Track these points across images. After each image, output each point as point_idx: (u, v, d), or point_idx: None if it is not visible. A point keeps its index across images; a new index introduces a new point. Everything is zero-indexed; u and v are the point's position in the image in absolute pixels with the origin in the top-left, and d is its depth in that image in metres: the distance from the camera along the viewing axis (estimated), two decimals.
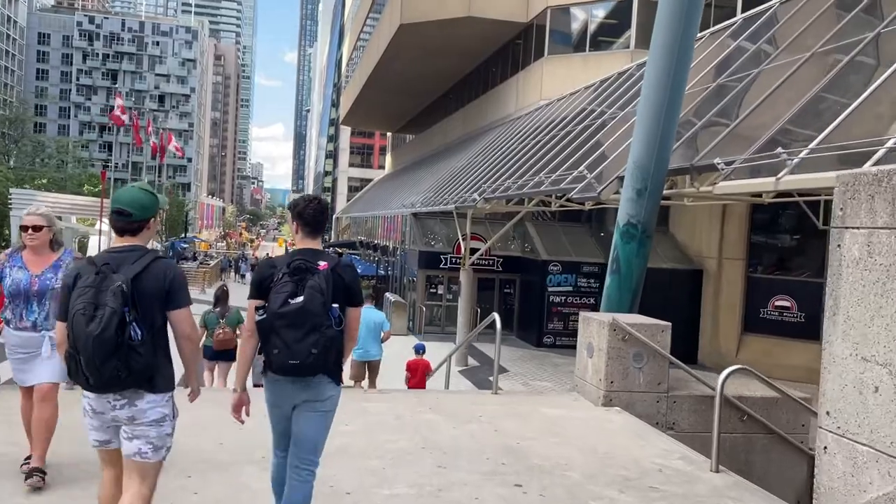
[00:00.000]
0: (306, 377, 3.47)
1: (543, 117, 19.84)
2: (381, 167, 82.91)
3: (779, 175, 6.16)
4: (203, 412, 4.95)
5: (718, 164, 7.12)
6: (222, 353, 9.14)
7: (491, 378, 17.31)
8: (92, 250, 46.01)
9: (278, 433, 3.72)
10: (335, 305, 3.48)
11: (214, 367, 9.38)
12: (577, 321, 20.92)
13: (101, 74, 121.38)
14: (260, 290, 3.53)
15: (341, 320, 3.53)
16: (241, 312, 8.96)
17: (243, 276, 40.32)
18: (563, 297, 21.67)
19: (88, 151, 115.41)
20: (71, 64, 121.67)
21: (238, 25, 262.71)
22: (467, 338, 10.87)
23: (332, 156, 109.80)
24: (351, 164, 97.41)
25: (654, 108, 8.01)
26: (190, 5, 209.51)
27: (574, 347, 21.19)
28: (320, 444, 3.67)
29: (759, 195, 8.66)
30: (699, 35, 14.66)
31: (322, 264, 3.49)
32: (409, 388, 10.39)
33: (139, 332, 3.07)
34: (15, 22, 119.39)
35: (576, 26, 23.48)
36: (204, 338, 8.87)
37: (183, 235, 56.95)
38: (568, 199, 16.02)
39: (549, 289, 21.58)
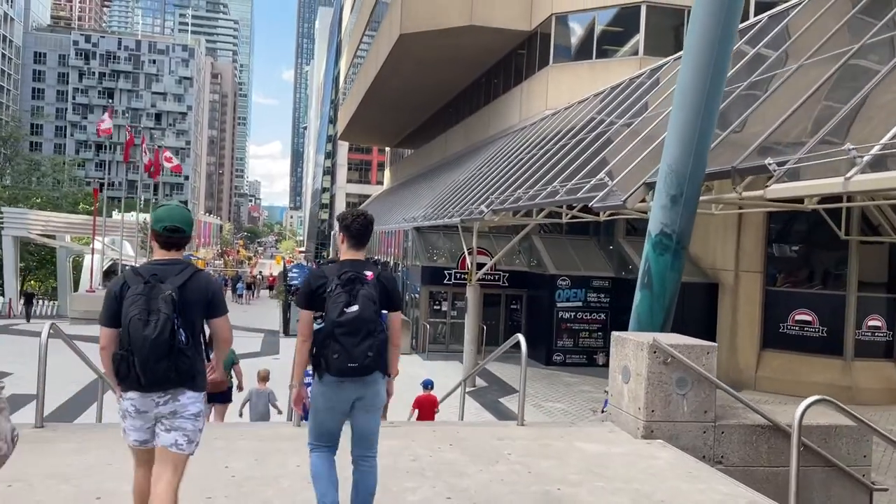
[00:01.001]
0: (364, 377, 3.86)
1: (551, 126, 19.11)
2: (380, 183, 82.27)
3: (848, 174, 5.39)
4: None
5: (770, 164, 6.34)
6: (215, 396, 8.56)
7: (502, 400, 16.47)
8: (87, 270, 45.12)
9: (327, 431, 4.04)
10: (384, 312, 3.92)
11: (211, 409, 8.77)
12: (587, 338, 20.19)
13: (97, 93, 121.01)
14: (311, 299, 3.90)
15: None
16: (234, 351, 8.53)
17: (240, 297, 39.17)
18: (572, 313, 20.86)
19: (84, 170, 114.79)
20: (67, 83, 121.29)
21: (235, 44, 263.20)
22: (486, 360, 9.99)
23: (330, 172, 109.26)
24: (349, 180, 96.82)
25: (692, 107, 7.24)
26: (186, 24, 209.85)
27: (585, 365, 20.40)
28: (378, 433, 4.20)
29: (801, 201, 7.86)
30: None
31: (369, 274, 3.91)
32: None
33: (185, 337, 3.48)
34: (11, 41, 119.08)
35: (581, 34, 22.82)
36: None
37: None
38: (584, 210, 15.23)
39: (558, 304, 20.77)
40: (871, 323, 18.05)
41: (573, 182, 11.91)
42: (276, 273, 55.81)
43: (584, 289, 20.87)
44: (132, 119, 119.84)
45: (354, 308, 3.77)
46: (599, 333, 20.94)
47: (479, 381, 18.08)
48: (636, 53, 21.09)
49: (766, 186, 6.41)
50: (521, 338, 7.23)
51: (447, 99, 35.29)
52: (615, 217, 15.58)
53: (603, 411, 11.12)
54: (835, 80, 7.47)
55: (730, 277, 19.14)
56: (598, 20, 22.10)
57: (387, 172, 65.90)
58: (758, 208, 12.10)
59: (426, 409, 10.24)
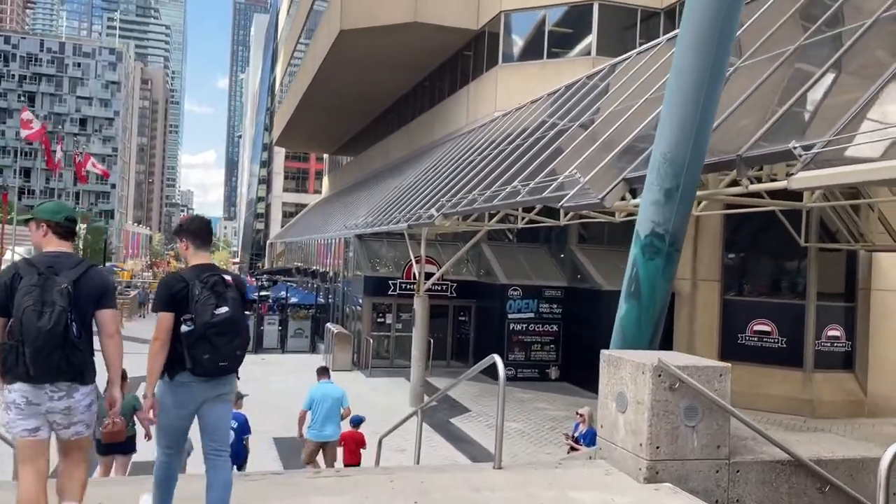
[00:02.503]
0: (225, 376, 4.03)
1: (503, 127, 18.03)
2: (318, 192, 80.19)
3: None
4: None
5: (795, 148, 5.28)
6: (114, 446, 7.61)
7: (453, 420, 15.17)
8: None
9: (177, 431, 4.05)
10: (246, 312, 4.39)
11: (112, 462, 7.76)
12: (539, 350, 19.09)
13: (17, 97, 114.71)
14: (172, 303, 3.92)
15: None
16: (138, 398, 7.37)
17: None
18: (524, 325, 19.78)
19: (3, 178, 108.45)
20: None
21: (167, 50, 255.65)
22: (454, 383, 8.69)
23: (266, 181, 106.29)
24: (285, 189, 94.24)
25: (692, 87, 6.17)
26: (115, 28, 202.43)
27: (538, 380, 19.28)
28: (228, 429, 4.29)
29: (800, 197, 6.87)
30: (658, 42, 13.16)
31: (228, 278, 4.08)
32: (343, 464, 9.22)
33: (77, 330, 3.57)
34: None
35: (531, 33, 21.91)
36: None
37: (101, 265, 52.86)
38: (542, 214, 14.11)
39: (510, 315, 19.67)
40: (830, 333, 17.54)
41: (536, 181, 10.77)
42: None
43: (536, 299, 19.82)
44: (55, 124, 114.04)
45: (224, 309, 3.90)
46: (552, 346, 19.92)
47: (427, 400, 16.72)
48: (588, 53, 20.27)
49: (790, 175, 5.34)
50: (497, 359, 5.96)
51: (389, 102, 33.96)
52: (571, 223, 14.55)
53: (574, 438, 9.96)
54: (850, 57, 6.51)
55: (686, 286, 18.38)
56: (549, 19, 21.23)
57: (325, 180, 64.02)
58: (748, 208, 11.21)
59: (350, 447, 9.31)
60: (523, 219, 14.55)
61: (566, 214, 13.24)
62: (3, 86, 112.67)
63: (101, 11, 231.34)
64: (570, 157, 10.80)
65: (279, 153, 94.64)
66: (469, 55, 24.47)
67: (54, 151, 37.82)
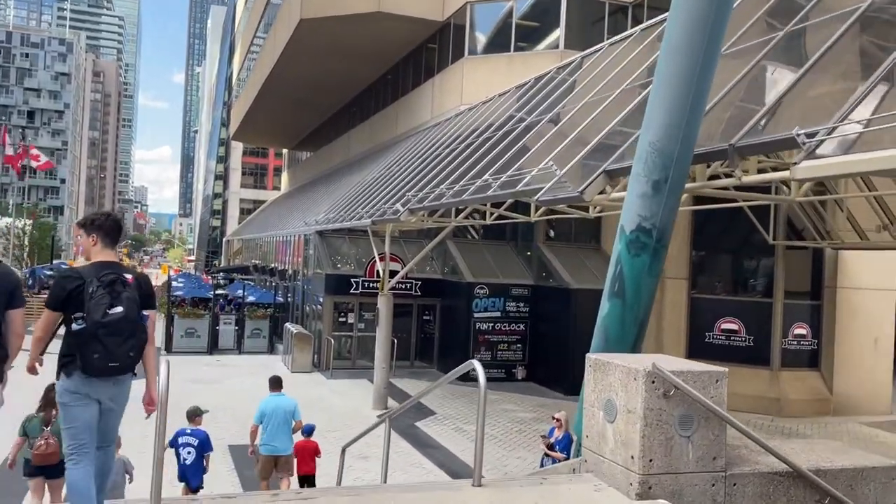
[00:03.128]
0: (118, 377, 3.99)
1: (470, 121, 17.52)
2: (277, 188, 78.73)
3: None
4: None
5: (798, 135, 4.86)
6: (46, 469, 7.06)
7: (418, 424, 14.60)
8: None
9: (88, 428, 4.01)
10: (144, 312, 4.07)
11: (43, 485, 7.19)
12: (505, 350, 18.67)
13: None
14: (66, 301, 3.88)
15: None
16: None
17: None
18: (490, 324, 19.32)
19: None
20: None
21: (120, 42, 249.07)
22: (426, 390, 8.15)
23: (223, 177, 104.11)
24: (243, 186, 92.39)
25: (685, 70, 5.74)
26: (65, 19, 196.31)
27: (504, 380, 18.86)
28: (117, 430, 4.38)
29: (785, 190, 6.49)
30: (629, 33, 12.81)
31: (129, 277, 4.02)
32: (298, 474, 9.02)
33: None
34: None
35: (498, 24, 21.45)
36: (22, 449, 7.19)
37: (49, 263, 50.78)
38: (511, 209, 13.64)
39: (475, 314, 19.20)
40: (796, 331, 17.48)
41: (508, 175, 10.27)
42: (161, 283, 51.40)
43: (502, 297, 19.38)
44: (2, 117, 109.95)
45: (119, 309, 3.82)
46: (519, 346, 19.50)
47: (392, 403, 16.15)
48: (557, 46, 19.88)
49: (794, 164, 4.92)
50: (477, 365, 5.42)
51: (351, 95, 33.18)
52: (542, 219, 14.12)
53: (550, 443, 9.49)
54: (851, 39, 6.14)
55: None
56: (517, 10, 20.77)
57: (284, 176, 62.79)
58: (718, 203, 10.91)
59: (303, 456, 9.00)
60: (492, 214, 14.07)
61: (537, 210, 12.78)
62: None
63: (52, 1, 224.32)
64: (544, 150, 10.34)
65: (236, 148, 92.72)
66: (434, 47, 23.90)
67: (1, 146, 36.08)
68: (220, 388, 17.51)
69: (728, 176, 6.60)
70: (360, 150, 32.04)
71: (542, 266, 19.64)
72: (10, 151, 36.01)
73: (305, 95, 33.67)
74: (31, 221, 48.80)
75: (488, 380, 17.35)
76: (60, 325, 3.99)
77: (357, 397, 16.84)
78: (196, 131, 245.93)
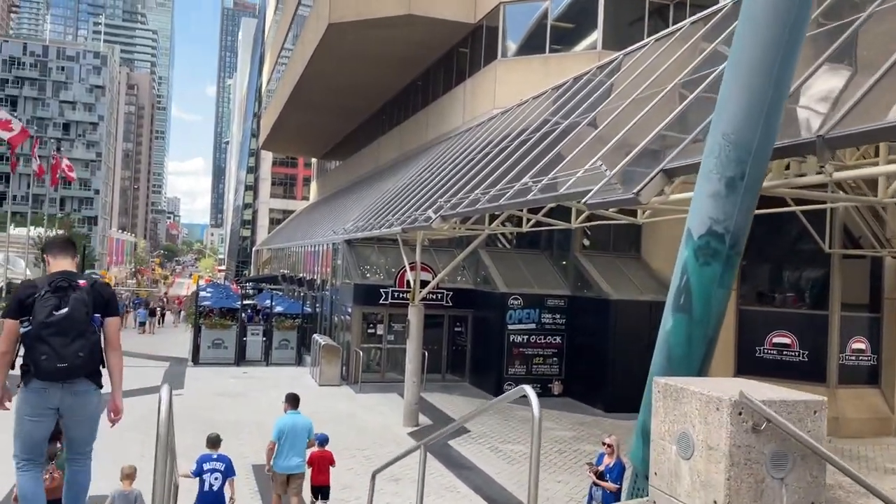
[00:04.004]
0: (73, 381, 3.94)
1: (504, 124, 16.81)
2: (306, 198, 78.76)
3: None
4: None
5: None
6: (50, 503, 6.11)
7: (451, 443, 13.85)
8: None
9: (36, 441, 4.03)
10: (97, 315, 4.10)
11: None
12: (541, 364, 17.81)
13: None
14: (21, 309, 3.96)
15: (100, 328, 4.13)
16: None
17: (142, 325, 32.85)
18: (525, 337, 18.52)
19: None
20: None
21: (153, 55, 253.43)
22: (470, 414, 7.46)
23: (253, 187, 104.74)
24: (273, 195, 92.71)
25: (765, 51, 4.95)
26: (100, 33, 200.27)
27: (539, 395, 18.00)
28: (93, 435, 4.25)
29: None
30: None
31: (82, 282, 4.08)
32: (312, 484, 9.02)
33: None
34: None
35: (532, 26, 20.73)
36: None
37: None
38: (549, 214, 12.85)
39: (509, 326, 18.41)
40: (854, 346, 16.38)
41: (550, 177, 9.51)
42: (190, 293, 51.35)
43: (537, 309, 18.57)
44: (38, 129, 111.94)
45: (64, 310, 3.87)
46: (555, 359, 18.66)
47: (423, 419, 15.41)
48: (594, 47, 19.10)
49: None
50: (529, 391, 4.66)
51: (380, 102, 32.68)
52: (584, 225, 13.31)
53: (599, 471, 8.66)
54: None
55: None
56: (552, 11, 20.04)
57: (313, 185, 62.63)
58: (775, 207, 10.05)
59: (320, 467, 9.03)
60: (528, 221, 13.29)
61: (578, 216, 12.00)
62: None
63: (88, 16, 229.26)
64: (588, 152, 9.56)
65: (266, 159, 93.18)
66: (465, 51, 23.26)
67: (21, 157, 36.15)
68: (245, 402, 16.94)
69: (816, 172, 5.77)
70: (389, 158, 31.50)
71: (579, 276, 18.80)
72: (39, 162, 36.02)
73: (334, 103, 33.26)
74: (62, 231, 49.04)
75: (522, 395, 16.14)
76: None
77: (387, 413, 16.14)
78: (227, 143, 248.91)
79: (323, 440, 9.19)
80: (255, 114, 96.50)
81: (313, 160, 60.11)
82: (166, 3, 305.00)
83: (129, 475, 7.27)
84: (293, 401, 9.09)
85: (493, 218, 14.78)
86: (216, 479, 7.90)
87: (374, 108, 33.95)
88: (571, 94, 14.41)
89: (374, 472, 8.82)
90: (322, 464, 9.04)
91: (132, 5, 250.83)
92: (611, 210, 10.21)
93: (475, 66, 22.10)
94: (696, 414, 4.57)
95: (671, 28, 12.38)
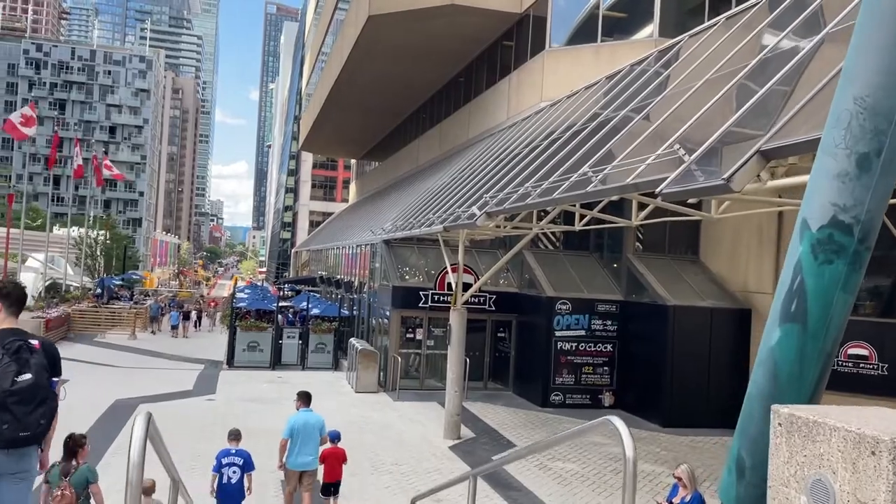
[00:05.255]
0: (22, 448, 3.74)
1: (553, 117, 15.73)
2: (346, 200, 78.49)
3: None
4: None
5: None
6: None
7: (496, 457, 12.80)
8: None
9: None
10: (54, 379, 3.97)
11: None
12: (591, 374, 16.54)
13: (48, 104, 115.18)
14: None
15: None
16: (93, 470, 6.89)
17: (174, 328, 31.65)
18: (573, 344, 17.37)
19: (32, 185, 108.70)
20: (16, 93, 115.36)
21: (198, 60, 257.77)
22: (539, 444, 6.47)
23: (293, 190, 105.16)
24: (313, 198, 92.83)
25: None
26: (146, 39, 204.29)
27: (589, 406, 16.71)
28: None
29: None
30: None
31: (35, 343, 3.90)
32: (324, 481, 9.05)
33: None
34: None
35: (583, 14, 19.59)
36: (48, 498, 6.76)
37: (121, 273, 51.29)
38: (605, 210, 11.73)
39: (557, 333, 17.28)
40: None
41: (612, 166, 8.42)
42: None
43: (587, 314, 17.41)
44: (85, 132, 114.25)
45: (28, 376, 3.74)
46: (606, 368, 17.47)
47: (465, 431, 14.39)
48: (650, 35, 17.88)
49: None
50: (618, 424, 3.61)
51: (420, 100, 31.82)
52: (647, 223, 12.14)
53: None
54: None
55: (768, 302, 15.77)
56: None
57: (352, 187, 62.18)
58: None
59: (332, 463, 9.06)
60: (582, 218, 12.19)
61: (640, 210, 10.87)
62: (34, 93, 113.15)
63: (135, 23, 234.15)
64: (659, 137, 8.44)
65: (306, 161, 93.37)
66: (510, 43, 22.21)
67: (64, 158, 36.34)
68: (278, 410, 16.11)
69: None
70: (429, 157, 30.59)
71: (632, 279, 17.58)
72: (79, 161, 36.07)
73: (373, 101, 32.51)
74: (105, 232, 49.34)
75: (571, 406, 14.97)
76: None
77: (426, 423, 15.16)
78: (269, 146, 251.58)
79: (335, 437, 9.19)
80: (296, 117, 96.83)
81: (352, 162, 59.66)
82: (211, 9, 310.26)
83: (148, 489, 7.19)
84: (305, 398, 9.14)
85: (541, 216, 13.72)
86: (234, 472, 8.15)
87: (413, 106, 33.11)
88: (629, 80, 13.26)
89: (414, 499, 7.86)
90: (334, 461, 9.07)
91: (178, 11, 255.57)
92: (688, 201, 9.09)
93: (521, 57, 21.03)
94: (837, 457, 3.42)
95: (746, 4, 11.16)
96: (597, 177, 8.59)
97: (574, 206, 11.45)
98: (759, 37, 9.43)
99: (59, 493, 6.50)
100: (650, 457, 13.10)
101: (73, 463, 6.74)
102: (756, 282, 16.10)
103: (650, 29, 18.28)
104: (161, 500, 7.16)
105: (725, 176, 5.88)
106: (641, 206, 10.99)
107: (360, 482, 10.84)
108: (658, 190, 6.73)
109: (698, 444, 14.33)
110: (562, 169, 10.33)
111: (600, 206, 11.82)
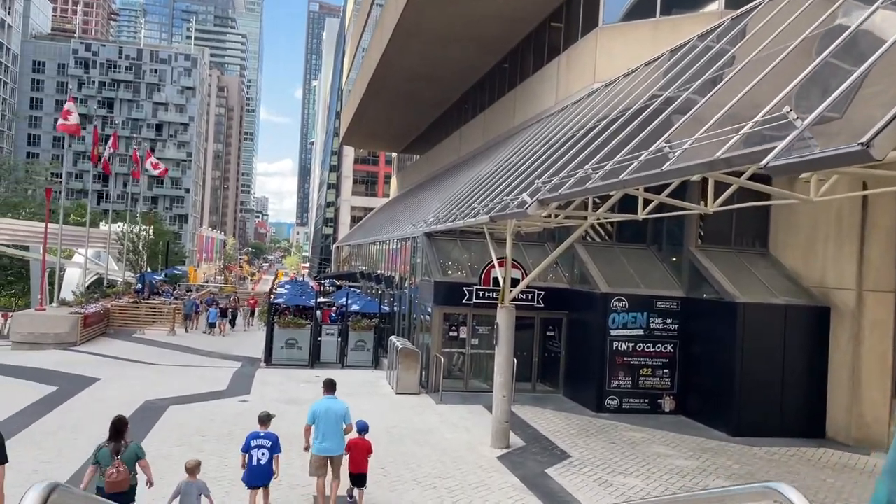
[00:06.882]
0: None
1: (609, 97, 14.42)
2: (387, 196, 77.81)
3: None
4: None
5: None
6: (117, 496, 7.14)
7: (550, 472, 11.58)
8: (69, 285, 40.62)
9: None
10: None
11: None
12: (649, 376, 15.04)
13: (97, 103, 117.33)
14: None
15: None
16: (141, 447, 7.55)
17: (212, 326, 30.71)
18: (630, 344, 16.05)
19: (82, 182, 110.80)
20: (66, 92, 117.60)
21: (242, 58, 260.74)
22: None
23: (335, 185, 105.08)
24: (354, 193, 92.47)
25: None
26: (192, 38, 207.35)
27: (647, 412, 15.17)
28: None
29: None
30: None
31: None
32: (349, 472, 9.20)
33: None
34: (8, 49, 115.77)
35: None
36: (95, 477, 7.33)
37: (163, 268, 51.26)
38: (665, 196, 10.38)
39: (612, 332, 15.97)
40: None
41: (696, 138, 7.14)
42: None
43: (645, 312, 16.06)
44: (132, 130, 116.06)
45: None
46: (666, 371, 16.10)
47: (514, 439, 13.21)
48: (716, 9, 16.38)
49: None
50: (791, 494, 2.39)
51: (462, 89, 30.61)
52: (723, 209, 10.77)
53: None
54: None
55: (849, 299, 14.27)
56: None
57: (393, 181, 61.32)
58: None
59: (356, 454, 9.18)
60: (646, 205, 10.87)
61: (718, 193, 9.53)
62: (83, 92, 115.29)
63: (181, 23, 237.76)
64: (747, 108, 7.15)
65: (348, 156, 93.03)
66: (559, 25, 20.87)
67: (104, 154, 36.30)
68: None
69: None
70: (472, 148, 29.39)
71: (695, 274, 16.15)
72: (105, 154, 35.88)
73: (413, 90, 31.43)
74: (148, 227, 49.39)
75: (628, 411, 13.29)
76: None
77: (472, 429, 14.02)
78: (312, 143, 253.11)
79: (363, 428, 9.34)
80: (337, 112, 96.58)
81: (393, 156, 58.79)
82: (255, 8, 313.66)
83: (193, 468, 7.70)
84: (330, 386, 9.35)
85: (596, 204, 12.45)
86: (263, 454, 8.44)
87: (455, 95, 31.92)
88: (696, 54, 11.90)
89: None
90: (359, 452, 9.17)
91: (223, 10, 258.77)
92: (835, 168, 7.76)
93: (571, 37, 19.67)
94: None
95: None
96: (675, 153, 7.32)
97: (637, 190, 10.17)
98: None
99: (113, 470, 7.09)
100: (721, 471, 11.75)
101: (123, 442, 7.31)
102: (836, 277, 14.55)
103: (715, 5, 16.79)
104: (204, 480, 7.77)
105: (863, 140, 4.59)
106: (717, 190, 9.65)
107: (399, 498, 9.77)
108: (764, 163, 5.45)
109: (774, 456, 12.90)
110: (628, 147, 9.07)
111: (668, 190, 10.53)
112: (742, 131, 6.31)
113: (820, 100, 5.99)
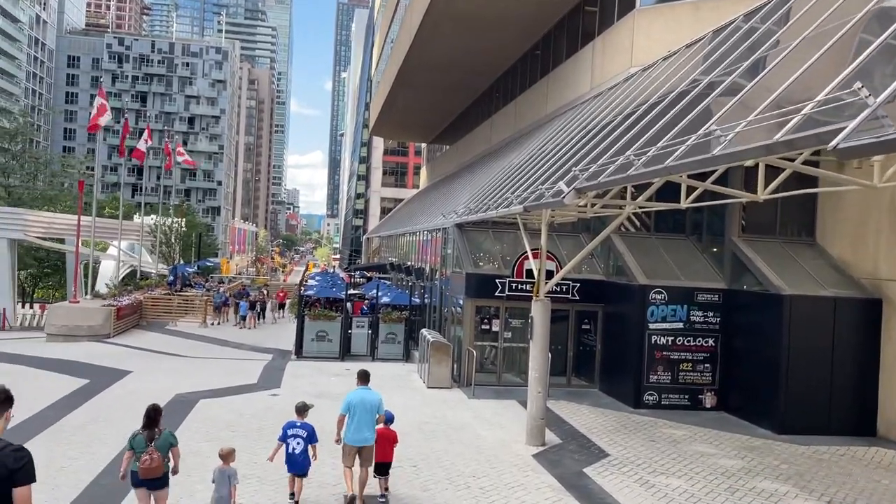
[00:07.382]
0: None
1: (648, 81, 13.85)
2: (417, 186, 77.55)
3: None
4: None
5: None
6: (150, 481, 7.44)
7: (588, 471, 11.08)
8: (104, 277, 41.14)
9: None
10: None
11: (148, 495, 7.50)
12: (690, 371, 14.27)
13: (130, 97, 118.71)
14: None
15: None
16: (174, 434, 7.72)
17: (244, 319, 30.56)
18: (670, 338, 15.53)
19: (118, 175, 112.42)
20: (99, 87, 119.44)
21: (273, 51, 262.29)
22: None
23: (364, 177, 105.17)
24: (384, 184, 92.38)
25: None
26: (222, 31, 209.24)
27: (688, 408, 14.36)
28: None
29: None
30: None
31: None
32: (374, 461, 9.24)
33: None
34: (44, 45, 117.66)
35: None
36: (131, 462, 7.51)
37: (195, 260, 51.64)
38: (711, 182, 9.84)
39: (651, 325, 15.46)
40: None
41: (750, 121, 6.63)
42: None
43: (685, 305, 15.51)
44: (165, 123, 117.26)
45: None
46: (707, 365, 15.55)
47: (550, 436, 12.80)
48: None
49: None
50: None
51: (492, 76, 30.07)
52: (772, 197, 10.20)
53: None
54: None
55: None
56: None
57: (423, 171, 60.99)
58: None
59: (382, 444, 9.25)
60: (690, 193, 10.35)
61: (769, 178, 8.98)
62: (117, 86, 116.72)
63: (212, 16, 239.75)
64: (805, 88, 6.63)
65: (377, 148, 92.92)
66: (593, 8, 20.25)
67: (138, 145, 36.81)
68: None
69: None
70: (503, 136, 28.88)
71: (737, 265, 15.54)
72: (142, 147, 36.23)
73: (443, 79, 30.98)
74: (180, 219, 49.76)
75: (668, 407, 12.60)
76: None
77: (506, 426, 13.65)
78: (342, 135, 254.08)
79: (390, 419, 9.48)
80: (366, 104, 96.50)
81: (423, 147, 58.42)
82: (285, 1, 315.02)
83: (226, 455, 7.96)
84: (364, 377, 9.38)
85: (635, 193, 11.94)
86: (298, 443, 8.73)
87: (485, 84, 31.39)
88: (742, 34, 11.30)
89: None
90: (384, 442, 9.26)
91: (254, 3, 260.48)
92: (857, 164, 7.23)
93: (607, 20, 19.06)
94: None
95: None
96: (726, 136, 6.82)
97: (681, 178, 9.67)
98: None
99: (147, 457, 7.26)
100: (769, 471, 11.22)
101: (157, 430, 7.47)
102: (888, 268, 13.84)
103: None
104: (234, 467, 7.96)
105: None
106: (770, 173, 9.10)
107: (432, 499, 9.45)
108: (832, 144, 4.96)
109: (824, 455, 12.32)
110: (672, 132, 8.57)
111: (713, 177, 10.00)
112: (804, 111, 5.80)
113: (890, 79, 5.47)
